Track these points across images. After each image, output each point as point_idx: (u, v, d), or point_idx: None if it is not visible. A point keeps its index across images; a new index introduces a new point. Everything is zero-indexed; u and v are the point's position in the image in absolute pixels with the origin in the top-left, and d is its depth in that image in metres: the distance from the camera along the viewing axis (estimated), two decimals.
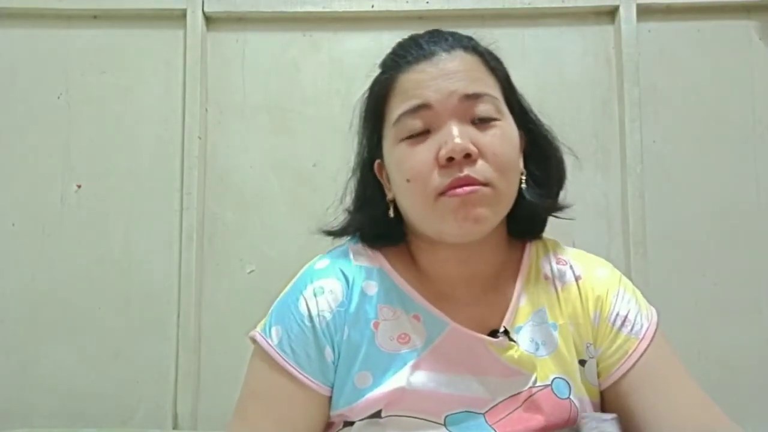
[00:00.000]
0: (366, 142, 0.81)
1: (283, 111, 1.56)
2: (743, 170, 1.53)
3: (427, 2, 1.53)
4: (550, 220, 0.84)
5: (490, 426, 0.70)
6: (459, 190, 0.67)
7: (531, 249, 0.81)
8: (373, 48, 1.54)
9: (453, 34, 0.75)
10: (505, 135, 0.71)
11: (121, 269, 1.51)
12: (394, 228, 0.79)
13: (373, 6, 1.54)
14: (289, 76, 1.57)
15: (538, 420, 0.70)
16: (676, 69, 1.55)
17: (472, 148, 0.67)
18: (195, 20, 1.54)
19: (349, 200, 0.83)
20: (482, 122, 0.70)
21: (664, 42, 1.56)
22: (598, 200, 1.53)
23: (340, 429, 0.74)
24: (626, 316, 0.76)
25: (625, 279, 0.81)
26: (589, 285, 0.78)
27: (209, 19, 1.57)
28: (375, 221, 0.79)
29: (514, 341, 0.73)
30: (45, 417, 1.46)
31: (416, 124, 0.70)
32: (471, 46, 0.74)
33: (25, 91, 1.55)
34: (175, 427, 1.47)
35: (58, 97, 1.55)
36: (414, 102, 0.70)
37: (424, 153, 0.69)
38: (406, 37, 0.78)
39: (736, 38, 1.55)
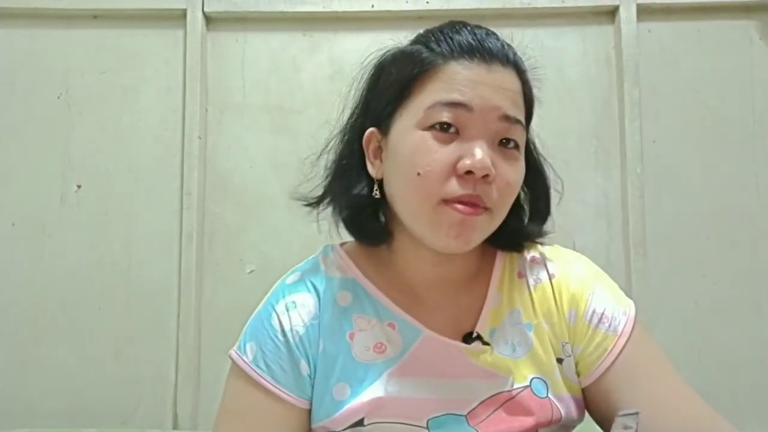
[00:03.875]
0: (371, 107, 0.76)
1: (283, 111, 1.56)
2: (743, 170, 1.53)
3: (427, 2, 1.53)
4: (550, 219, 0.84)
5: (472, 427, 0.70)
6: (461, 207, 0.66)
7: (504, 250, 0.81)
8: (373, 48, 1.54)
9: (509, 45, 0.73)
10: (520, 168, 0.71)
11: (121, 269, 1.51)
12: (376, 212, 0.76)
13: (373, 6, 1.54)
14: (289, 76, 1.57)
15: (523, 421, 0.70)
16: (676, 69, 1.55)
17: (493, 171, 0.66)
18: (195, 20, 1.54)
19: (328, 161, 0.80)
20: (506, 147, 0.69)
21: (664, 42, 1.56)
22: (598, 200, 1.53)
23: None
24: (603, 313, 0.74)
25: (601, 274, 0.79)
26: (564, 283, 0.77)
27: (209, 19, 1.57)
28: (358, 201, 0.75)
29: (488, 344, 0.73)
30: (45, 417, 1.46)
31: (448, 119, 0.67)
32: (522, 69, 0.72)
33: (25, 91, 1.55)
34: (175, 427, 1.47)
35: (58, 97, 1.56)
36: (456, 97, 0.67)
37: (445, 154, 0.67)
38: (452, 21, 0.75)
39: (736, 38, 1.56)
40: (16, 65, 1.56)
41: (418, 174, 0.67)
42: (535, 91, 0.75)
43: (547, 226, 0.80)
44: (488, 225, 0.70)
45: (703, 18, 1.56)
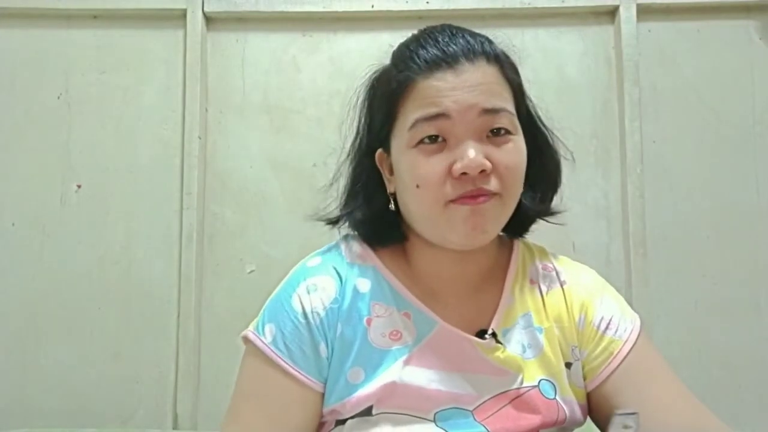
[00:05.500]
0: (371, 130, 0.79)
1: (283, 111, 1.56)
2: (743, 170, 1.53)
3: (427, 2, 1.53)
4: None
5: (479, 423, 0.71)
6: (469, 199, 0.68)
7: (518, 252, 0.82)
8: (373, 48, 1.54)
9: (474, 36, 0.73)
10: (517, 150, 0.72)
11: (121, 269, 1.51)
12: (392, 223, 0.78)
13: (372, 6, 1.54)
14: (289, 76, 1.57)
15: (530, 419, 0.71)
16: (676, 69, 1.55)
17: (487, 165, 0.68)
18: (195, 20, 1.54)
19: (342, 184, 0.83)
20: (497, 135, 0.70)
21: (664, 42, 1.56)
22: (598, 200, 1.53)
23: (332, 429, 0.74)
24: (610, 320, 0.77)
25: (608, 286, 0.82)
26: (575, 290, 0.79)
27: (209, 19, 1.57)
28: (374, 215, 0.78)
29: (501, 343, 0.74)
30: (45, 417, 1.46)
31: (431, 131, 0.69)
32: (493, 54, 0.72)
33: (25, 91, 1.55)
34: (175, 427, 1.47)
35: (58, 97, 1.56)
36: (432, 110, 0.69)
37: (437, 164, 0.69)
38: (422, 29, 0.76)
39: (736, 38, 1.56)
40: (16, 65, 1.56)
41: (418, 186, 0.70)
42: (522, 70, 0.77)
43: (556, 203, 0.81)
44: (500, 209, 0.71)
45: (703, 18, 1.56)
